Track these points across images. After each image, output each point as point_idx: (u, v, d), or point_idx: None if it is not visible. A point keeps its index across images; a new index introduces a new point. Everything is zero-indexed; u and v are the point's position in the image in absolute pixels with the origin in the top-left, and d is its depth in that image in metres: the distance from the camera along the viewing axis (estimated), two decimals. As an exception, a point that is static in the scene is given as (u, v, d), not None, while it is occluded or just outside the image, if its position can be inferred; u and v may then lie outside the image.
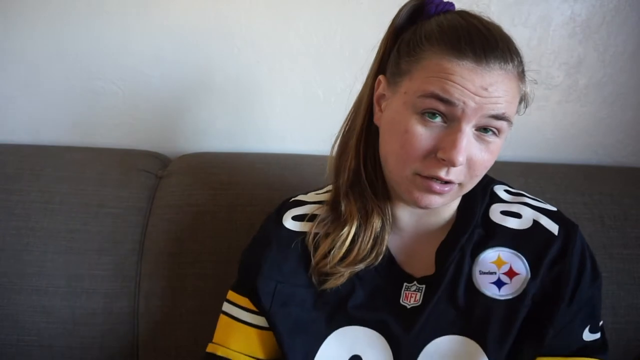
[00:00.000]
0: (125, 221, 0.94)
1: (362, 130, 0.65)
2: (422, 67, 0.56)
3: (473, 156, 0.57)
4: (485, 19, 0.60)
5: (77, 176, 0.97)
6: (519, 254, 0.63)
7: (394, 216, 0.66)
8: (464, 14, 0.60)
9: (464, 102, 0.54)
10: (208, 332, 0.91)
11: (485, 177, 0.68)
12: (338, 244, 0.63)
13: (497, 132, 0.57)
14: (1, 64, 1.11)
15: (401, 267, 0.66)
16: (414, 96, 0.56)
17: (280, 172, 0.98)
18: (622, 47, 1.06)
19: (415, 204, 0.60)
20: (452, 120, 0.56)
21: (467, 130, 0.56)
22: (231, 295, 0.71)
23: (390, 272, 0.65)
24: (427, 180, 0.57)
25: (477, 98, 0.54)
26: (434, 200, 0.59)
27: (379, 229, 0.64)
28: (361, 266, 0.64)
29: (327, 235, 0.65)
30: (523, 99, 0.62)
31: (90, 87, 1.11)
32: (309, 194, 0.74)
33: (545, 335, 0.61)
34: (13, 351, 0.91)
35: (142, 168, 1.01)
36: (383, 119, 0.62)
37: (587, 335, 0.63)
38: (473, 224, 0.65)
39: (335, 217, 0.66)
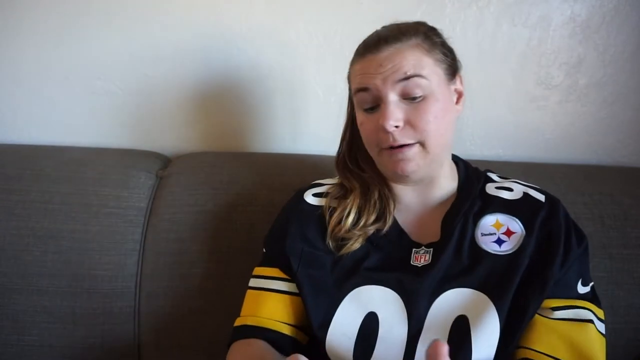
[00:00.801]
0: (126, 221, 0.94)
1: (347, 126, 0.80)
2: (351, 74, 0.75)
3: (408, 116, 0.69)
4: (399, 22, 0.74)
5: (77, 176, 0.97)
6: (513, 217, 0.73)
7: (397, 196, 0.77)
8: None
9: (373, 83, 0.69)
10: (209, 331, 0.92)
11: (479, 169, 0.82)
12: (346, 212, 0.75)
13: (420, 90, 0.69)
14: (1, 64, 1.11)
15: (410, 237, 0.74)
16: (353, 96, 0.75)
17: (280, 172, 0.98)
18: (622, 47, 1.06)
19: (394, 173, 0.72)
20: (379, 100, 0.70)
21: (391, 99, 0.69)
22: (258, 270, 0.78)
23: (400, 242, 0.74)
24: (388, 150, 0.71)
25: (378, 75, 0.69)
26: (407, 165, 0.70)
27: (377, 198, 0.76)
28: (372, 229, 0.74)
29: (338, 206, 0.76)
30: (446, 64, 0.72)
31: (90, 87, 1.11)
32: (326, 179, 0.85)
33: (546, 285, 0.67)
34: (14, 351, 0.91)
35: (142, 168, 1.01)
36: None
37: (581, 288, 0.70)
38: (472, 197, 0.75)
39: (344, 192, 0.78)
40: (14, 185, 0.96)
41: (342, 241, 0.73)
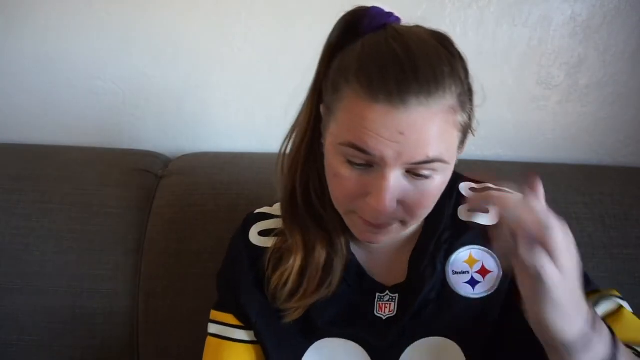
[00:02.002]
0: (125, 221, 0.94)
1: (306, 139, 0.62)
2: (343, 108, 0.53)
3: (405, 198, 0.53)
4: (417, 36, 0.53)
5: (77, 176, 0.97)
6: (489, 251, 0.62)
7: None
8: (390, 36, 0.53)
9: (380, 151, 0.50)
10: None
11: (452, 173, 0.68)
12: (284, 279, 0.62)
13: (432, 172, 0.52)
14: (1, 64, 1.11)
15: (372, 278, 0.64)
16: (337, 142, 0.53)
17: (281, 172, 0.98)
18: (623, 47, 1.05)
19: (361, 240, 0.60)
20: (374, 164, 0.52)
21: (393, 176, 0.51)
22: (216, 315, 0.69)
23: (361, 285, 0.64)
24: (361, 219, 0.56)
25: (394, 145, 0.49)
26: (378, 237, 0.58)
27: (323, 261, 0.62)
28: (315, 297, 0.62)
29: (280, 261, 0.64)
30: (464, 130, 0.54)
31: (90, 87, 1.11)
32: (274, 206, 0.72)
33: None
34: (14, 351, 0.91)
35: (142, 168, 1.01)
36: (325, 149, 0.58)
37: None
38: (442, 227, 0.63)
39: (287, 246, 0.64)
40: (14, 185, 0.96)
41: (282, 312, 0.63)
